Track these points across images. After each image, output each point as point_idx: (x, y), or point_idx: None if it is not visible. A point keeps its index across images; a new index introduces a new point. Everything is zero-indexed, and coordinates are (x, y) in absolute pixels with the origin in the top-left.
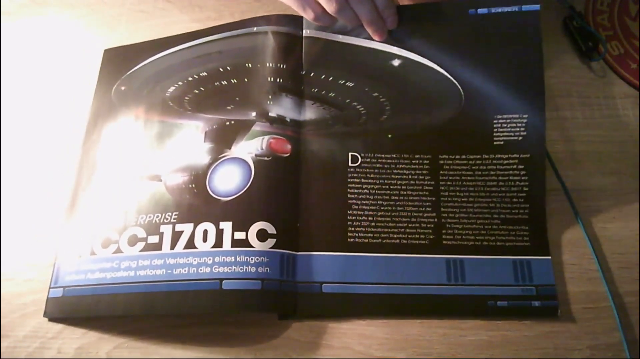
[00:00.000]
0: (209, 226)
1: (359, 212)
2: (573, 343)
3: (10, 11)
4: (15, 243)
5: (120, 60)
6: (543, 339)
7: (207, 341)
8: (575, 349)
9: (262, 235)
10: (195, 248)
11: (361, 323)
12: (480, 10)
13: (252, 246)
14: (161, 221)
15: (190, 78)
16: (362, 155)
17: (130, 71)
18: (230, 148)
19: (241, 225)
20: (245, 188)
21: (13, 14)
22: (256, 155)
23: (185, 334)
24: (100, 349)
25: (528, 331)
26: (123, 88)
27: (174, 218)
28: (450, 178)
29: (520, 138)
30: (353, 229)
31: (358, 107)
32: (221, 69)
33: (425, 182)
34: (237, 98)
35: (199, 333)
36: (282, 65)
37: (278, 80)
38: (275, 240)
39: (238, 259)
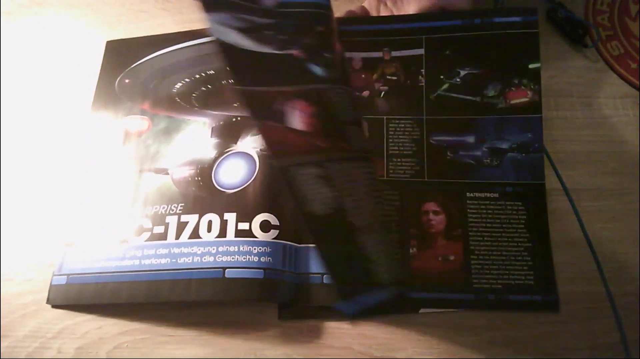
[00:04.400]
0: (214, 217)
1: None
2: (573, 343)
3: (10, 11)
4: (15, 243)
5: (125, 52)
6: (543, 339)
7: (208, 341)
8: (575, 349)
9: (265, 226)
10: (200, 238)
11: (361, 323)
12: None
13: (255, 237)
14: (167, 212)
15: (197, 76)
16: None
17: (135, 64)
18: (236, 143)
19: (245, 216)
20: (250, 181)
21: (13, 13)
22: (261, 150)
23: (185, 334)
24: (100, 349)
25: (528, 331)
26: (127, 81)
27: (180, 209)
28: None
29: None
30: None
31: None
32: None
33: None
34: None
35: (199, 333)
36: None
37: None
38: (278, 231)
39: (241, 249)
